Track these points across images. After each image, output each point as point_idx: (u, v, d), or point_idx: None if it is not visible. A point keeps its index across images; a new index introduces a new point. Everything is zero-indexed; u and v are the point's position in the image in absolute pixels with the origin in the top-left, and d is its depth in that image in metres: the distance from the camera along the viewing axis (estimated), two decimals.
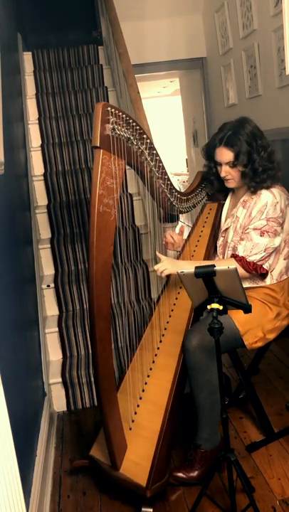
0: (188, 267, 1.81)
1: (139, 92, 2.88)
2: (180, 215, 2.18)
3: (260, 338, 1.82)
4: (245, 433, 2.08)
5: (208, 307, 1.45)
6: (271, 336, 1.85)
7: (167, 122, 8.97)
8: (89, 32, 4.72)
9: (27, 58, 3.99)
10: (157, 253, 1.95)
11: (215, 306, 1.43)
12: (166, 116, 9.03)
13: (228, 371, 2.52)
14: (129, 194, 3.20)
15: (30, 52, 4.03)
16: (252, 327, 1.81)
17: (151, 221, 2.89)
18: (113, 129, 1.49)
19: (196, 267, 1.41)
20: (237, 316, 1.78)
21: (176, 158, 8.50)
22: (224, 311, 1.45)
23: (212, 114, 4.65)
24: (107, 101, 3.79)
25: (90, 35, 4.68)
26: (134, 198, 3.17)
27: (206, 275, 1.39)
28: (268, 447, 1.97)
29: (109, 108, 1.48)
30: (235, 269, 1.37)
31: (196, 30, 4.44)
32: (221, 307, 1.43)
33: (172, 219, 2.16)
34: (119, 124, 1.52)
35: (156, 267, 1.89)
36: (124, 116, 1.53)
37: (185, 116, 6.05)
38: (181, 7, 4.25)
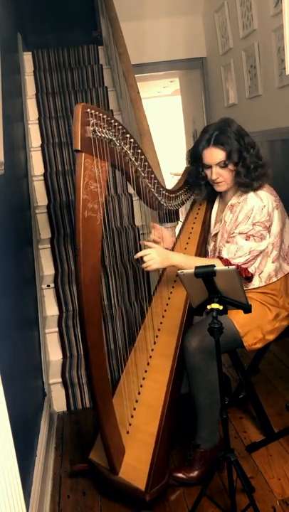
0: (179, 259, 1.79)
1: (139, 92, 2.88)
2: (180, 215, 2.16)
3: (259, 339, 1.82)
4: (245, 433, 2.08)
5: (208, 307, 1.45)
6: (270, 337, 1.85)
7: (167, 122, 8.97)
8: (89, 32, 4.72)
9: (27, 58, 3.99)
10: (145, 242, 1.84)
11: (215, 306, 1.43)
12: (166, 116, 9.02)
13: (228, 371, 2.52)
14: (129, 194, 3.20)
15: (30, 52, 4.03)
16: (251, 328, 1.81)
17: (151, 221, 2.88)
18: (94, 130, 1.46)
19: (196, 267, 1.41)
20: (236, 318, 1.77)
21: (176, 158, 8.50)
22: (224, 311, 1.45)
23: (212, 114, 4.65)
24: (107, 101, 3.80)
25: (90, 35, 4.68)
26: (134, 198, 3.17)
27: (206, 275, 1.39)
28: (268, 447, 1.97)
29: (88, 109, 1.44)
30: (235, 269, 1.38)
31: (196, 30, 4.44)
32: (221, 307, 1.43)
33: (172, 219, 2.15)
34: (100, 126, 1.49)
35: (141, 256, 1.76)
36: (104, 116, 1.49)
37: (185, 116, 6.05)
38: (181, 7, 4.25)
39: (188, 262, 1.78)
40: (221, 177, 1.83)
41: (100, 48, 4.25)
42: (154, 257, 1.77)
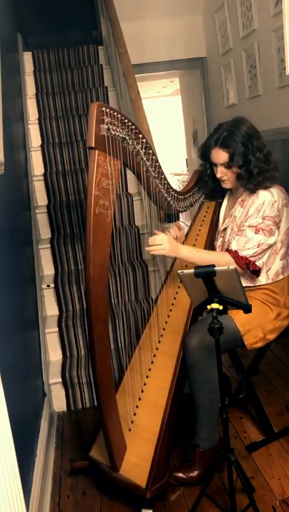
0: (187, 252, 1.82)
1: (139, 92, 2.88)
2: (180, 215, 2.17)
3: (260, 338, 1.82)
4: (245, 433, 2.08)
5: (208, 307, 1.45)
6: (271, 337, 1.85)
7: (167, 122, 8.97)
8: (89, 32, 4.72)
9: (27, 58, 3.99)
10: (156, 231, 1.87)
11: (215, 306, 1.43)
12: (166, 116, 9.02)
13: (228, 371, 2.52)
14: (129, 194, 3.20)
15: (30, 52, 4.03)
16: (252, 327, 1.81)
17: (151, 221, 2.89)
18: (108, 129, 1.48)
19: (196, 267, 1.41)
20: (237, 316, 1.78)
21: (176, 158, 8.50)
22: (224, 311, 1.45)
23: (212, 114, 4.65)
24: (107, 101, 3.80)
25: (90, 35, 4.68)
26: (134, 198, 3.17)
27: (206, 275, 1.39)
28: (268, 447, 1.97)
29: (104, 108, 1.46)
30: (235, 269, 1.38)
31: (196, 30, 4.44)
32: (221, 307, 1.43)
33: (172, 219, 2.16)
34: (115, 124, 1.50)
35: (152, 241, 1.79)
36: (119, 116, 1.51)
37: (185, 116, 6.04)
38: (181, 7, 4.25)
39: (196, 255, 1.82)
40: (226, 176, 1.87)
41: (100, 48, 4.25)
42: (164, 243, 1.79)
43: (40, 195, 3.24)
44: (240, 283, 1.41)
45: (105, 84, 3.95)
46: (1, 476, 1.11)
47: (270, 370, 2.57)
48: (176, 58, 4.44)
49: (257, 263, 1.79)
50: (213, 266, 1.39)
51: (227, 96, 4.08)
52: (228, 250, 1.81)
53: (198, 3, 4.32)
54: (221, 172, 1.86)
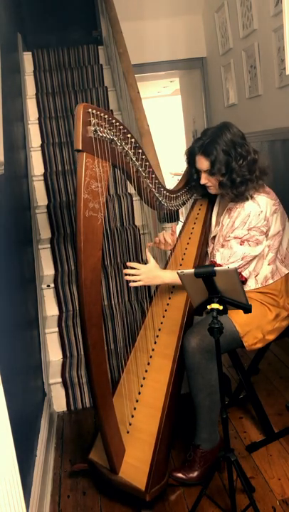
0: (172, 276, 1.82)
1: (139, 92, 2.88)
2: (180, 215, 2.16)
3: (259, 339, 1.82)
4: (245, 433, 2.08)
5: (208, 307, 1.45)
6: (271, 337, 1.85)
7: (167, 122, 8.97)
8: (89, 32, 4.72)
9: (27, 58, 3.99)
10: (147, 252, 1.89)
11: (215, 306, 1.43)
12: (166, 116, 9.03)
13: (228, 371, 2.52)
14: (129, 194, 3.20)
15: (30, 52, 4.03)
16: (251, 328, 1.80)
17: (151, 221, 2.89)
18: (95, 130, 1.46)
19: (196, 267, 1.41)
20: (236, 318, 1.77)
21: (176, 158, 8.50)
22: (224, 311, 1.45)
23: (212, 114, 4.65)
24: (107, 101, 3.80)
25: (90, 35, 4.68)
26: (134, 198, 3.17)
27: (206, 275, 1.39)
28: (268, 447, 1.97)
29: (90, 109, 1.44)
30: (235, 269, 1.37)
31: (196, 30, 4.44)
32: (221, 307, 1.43)
33: (172, 219, 2.15)
34: (102, 126, 1.49)
35: (128, 272, 1.81)
36: (106, 116, 1.50)
37: (185, 116, 6.05)
38: (181, 7, 4.25)
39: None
40: (210, 182, 1.87)
41: (100, 48, 4.25)
42: (142, 277, 1.82)
43: (40, 195, 3.24)
44: (241, 283, 1.41)
45: (105, 84, 3.95)
46: (1, 476, 1.11)
47: (270, 370, 2.57)
48: (176, 58, 4.44)
49: (243, 273, 1.80)
50: (213, 266, 1.39)
51: (227, 96, 4.08)
52: (212, 262, 1.81)
53: (198, 3, 4.32)
54: (204, 178, 1.86)
